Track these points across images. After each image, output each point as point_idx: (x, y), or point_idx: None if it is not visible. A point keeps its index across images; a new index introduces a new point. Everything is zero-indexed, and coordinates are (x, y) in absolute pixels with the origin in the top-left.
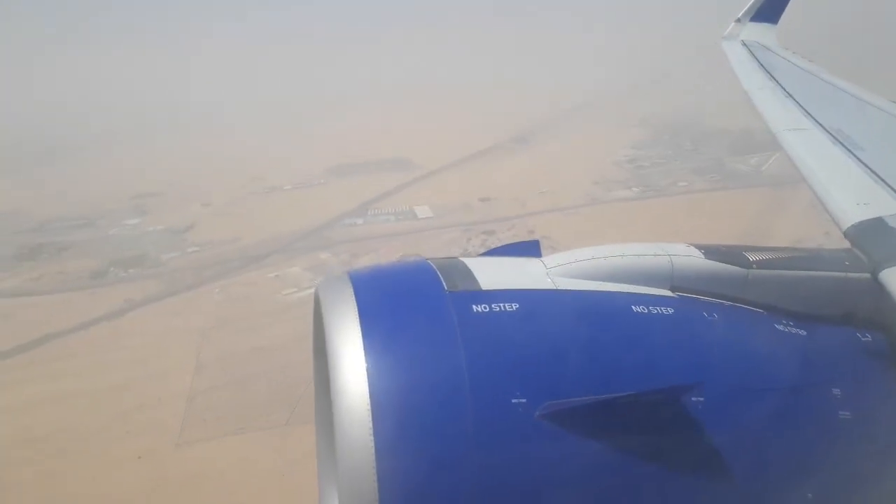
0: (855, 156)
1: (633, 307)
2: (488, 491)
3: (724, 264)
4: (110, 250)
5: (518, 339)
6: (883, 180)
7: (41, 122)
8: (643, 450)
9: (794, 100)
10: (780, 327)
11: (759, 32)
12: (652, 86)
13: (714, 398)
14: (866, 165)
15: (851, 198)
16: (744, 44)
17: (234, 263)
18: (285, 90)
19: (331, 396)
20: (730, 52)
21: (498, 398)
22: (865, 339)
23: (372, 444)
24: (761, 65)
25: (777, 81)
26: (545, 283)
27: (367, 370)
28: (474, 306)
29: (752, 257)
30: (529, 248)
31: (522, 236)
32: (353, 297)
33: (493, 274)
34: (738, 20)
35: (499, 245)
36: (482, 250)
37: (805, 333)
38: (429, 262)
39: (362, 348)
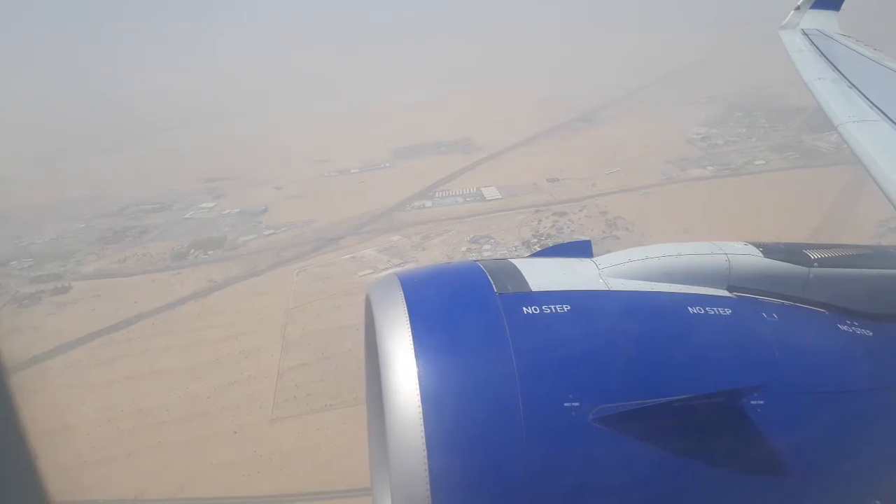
0: None
1: (689, 308)
2: (541, 496)
3: (784, 263)
4: (189, 233)
5: (570, 342)
6: None
7: (100, 111)
8: (700, 455)
9: (858, 90)
10: (844, 328)
11: (820, 20)
12: (719, 64)
13: (775, 402)
14: None
15: None
16: (804, 32)
17: (310, 245)
18: (331, 74)
19: (383, 399)
20: (788, 42)
21: (550, 401)
22: None
23: (424, 446)
24: (822, 54)
25: (840, 71)
26: (597, 284)
27: (418, 373)
28: (524, 308)
29: (813, 255)
30: (580, 249)
31: (595, 217)
32: (404, 300)
33: (544, 275)
34: (798, 8)
35: (569, 225)
36: (554, 232)
37: (871, 334)
38: (478, 263)
39: (413, 352)
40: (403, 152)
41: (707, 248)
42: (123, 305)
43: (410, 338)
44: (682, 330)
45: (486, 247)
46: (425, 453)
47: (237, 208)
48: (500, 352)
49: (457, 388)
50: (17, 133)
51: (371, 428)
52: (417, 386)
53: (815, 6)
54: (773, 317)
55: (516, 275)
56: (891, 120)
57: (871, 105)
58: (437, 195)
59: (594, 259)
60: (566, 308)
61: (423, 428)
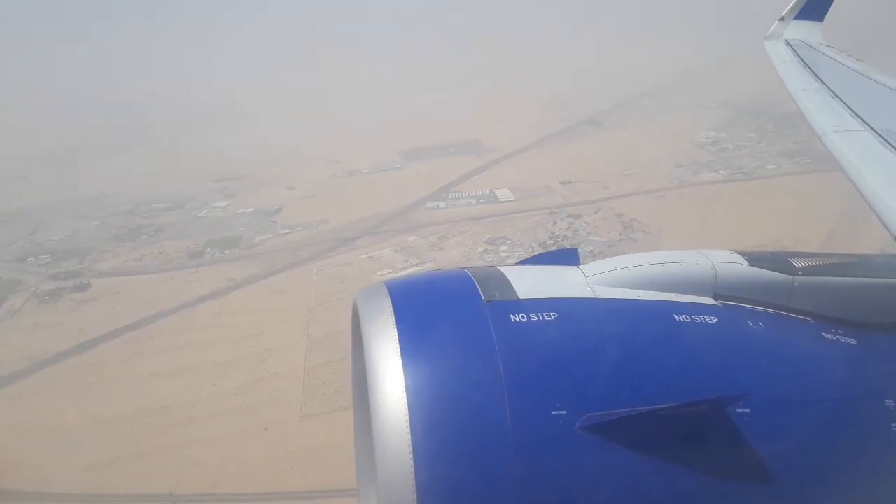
0: None
1: (675, 316)
2: None
3: (769, 271)
4: (203, 231)
5: (557, 350)
6: None
7: (111, 111)
8: (687, 463)
9: (841, 100)
10: (829, 336)
11: (804, 31)
12: (724, 68)
13: (760, 410)
14: None
15: None
16: (787, 43)
17: (326, 245)
18: (338, 79)
19: (369, 406)
20: (772, 53)
21: (538, 409)
22: None
23: (411, 454)
24: (806, 65)
25: (823, 82)
26: (584, 292)
27: (405, 382)
28: (512, 316)
29: (797, 264)
30: (568, 257)
31: (611, 220)
32: (391, 308)
33: (531, 283)
34: (782, 19)
35: (585, 227)
36: (570, 234)
37: (855, 342)
38: (466, 271)
39: (400, 360)
40: (413, 154)
41: (693, 256)
42: (143, 303)
43: (398, 346)
44: (669, 338)
45: (503, 248)
46: (412, 461)
47: (251, 207)
48: (487, 360)
49: (444, 396)
50: (29, 133)
51: (358, 436)
52: (405, 394)
53: (799, 17)
54: (759, 325)
55: (504, 282)
56: (873, 129)
57: (853, 115)
58: (450, 196)
59: (581, 267)
60: (553, 316)
61: (409, 436)
